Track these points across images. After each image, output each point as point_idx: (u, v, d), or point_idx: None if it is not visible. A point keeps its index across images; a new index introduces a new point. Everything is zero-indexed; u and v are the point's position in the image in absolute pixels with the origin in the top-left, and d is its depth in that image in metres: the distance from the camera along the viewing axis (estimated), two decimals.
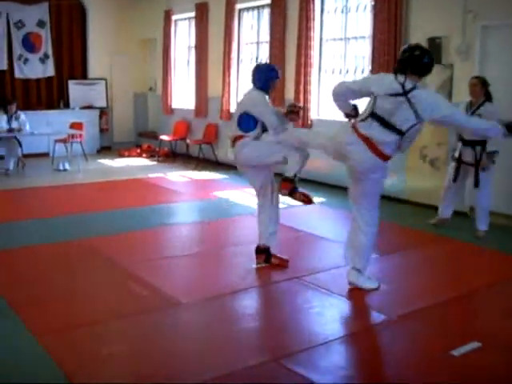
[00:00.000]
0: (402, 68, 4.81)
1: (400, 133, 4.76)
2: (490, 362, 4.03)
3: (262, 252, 5.86)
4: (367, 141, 4.81)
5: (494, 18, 7.71)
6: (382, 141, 4.79)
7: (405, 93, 4.69)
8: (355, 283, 5.19)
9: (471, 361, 4.04)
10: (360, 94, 5.06)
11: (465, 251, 6.70)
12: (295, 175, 5.54)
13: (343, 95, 5.15)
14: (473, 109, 6.95)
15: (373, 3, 9.15)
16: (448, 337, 4.41)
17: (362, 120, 4.92)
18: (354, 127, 4.95)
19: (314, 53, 10.30)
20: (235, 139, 5.79)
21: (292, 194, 5.50)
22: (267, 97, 5.77)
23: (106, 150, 14.63)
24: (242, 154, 5.74)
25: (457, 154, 7.20)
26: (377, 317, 4.72)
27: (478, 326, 4.75)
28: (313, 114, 10.41)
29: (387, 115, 4.76)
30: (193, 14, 13.23)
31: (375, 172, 4.98)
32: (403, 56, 4.89)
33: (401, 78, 4.76)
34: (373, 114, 4.82)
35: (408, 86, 4.72)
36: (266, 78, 5.75)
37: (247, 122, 5.73)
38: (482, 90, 6.96)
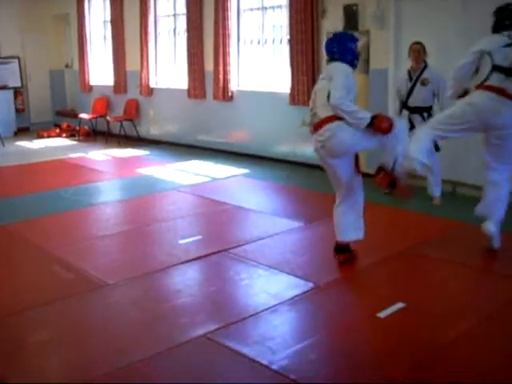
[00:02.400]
0: (503, 25, 5.22)
1: None
2: (414, 321, 4.14)
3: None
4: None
5: None
6: None
7: None
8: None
9: (396, 321, 4.14)
10: (478, 62, 5.22)
11: (390, 215, 6.83)
12: (394, 165, 4.98)
13: (466, 73, 5.28)
14: (416, 74, 7.00)
15: None
16: (374, 300, 4.51)
17: (485, 80, 5.12)
18: (490, 90, 5.10)
19: (232, 23, 10.22)
20: (322, 122, 4.89)
21: (393, 186, 5.09)
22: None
23: (23, 131, 14.15)
24: (339, 140, 4.81)
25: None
26: (304, 285, 4.75)
27: (403, 287, 4.84)
28: (233, 86, 10.36)
29: (508, 63, 5.05)
30: None
31: None
32: (502, 14, 5.25)
33: (504, 32, 5.16)
34: (495, 68, 5.07)
35: None
36: (354, 49, 5.06)
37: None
38: (423, 55, 7.01)
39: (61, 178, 9.01)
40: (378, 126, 4.67)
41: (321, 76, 5.24)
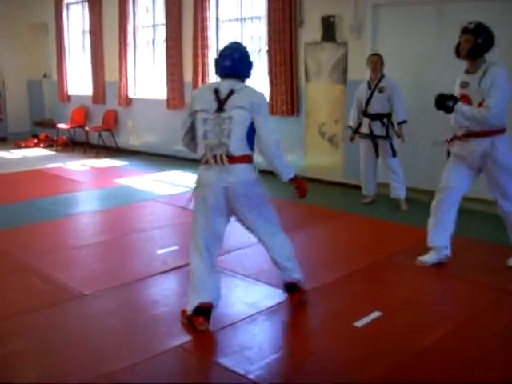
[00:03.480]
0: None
1: None
2: (391, 329, 4.17)
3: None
4: None
5: None
6: None
7: None
8: None
9: (373, 330, 4.16)
10: None
11: (367, 225, 6.89)
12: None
13: None
14: (374, 83, 7.33)
15: None
16: (351, 309, 4.53)
17: None
18: None
19: (211, 34, 10.26)
20: (234, 159, 4.12)
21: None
22: None
23: (0, 141, 14.07)
24: (254, 191, 4.31)
25: (366, 130, 7.44)
26: (281, 294, 4.74)
27: (380, 296, 4.88)
28: None
29: None
30: None
31: None
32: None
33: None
34: None
35: None
36: (251, 65, 4.47)
37: (252, 135, 4.21)
38: (381, 66, 7.37)
39: (38, 188, 8.95)
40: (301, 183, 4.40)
41: (213, 95, 4.17)
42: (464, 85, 5.15)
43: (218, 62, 4.31)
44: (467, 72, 5.18)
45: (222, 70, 4.27)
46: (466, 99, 5.09)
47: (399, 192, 7.45)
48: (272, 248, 4.46)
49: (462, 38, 5.08)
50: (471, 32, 4.98)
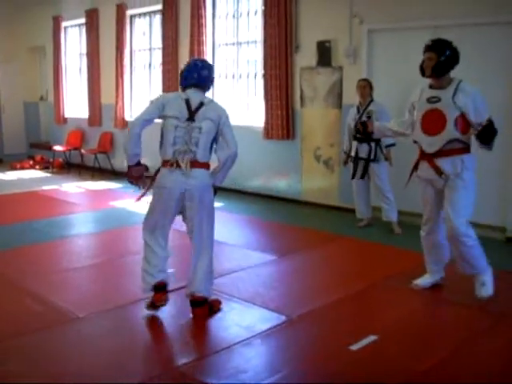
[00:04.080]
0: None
1: None
2: (386, 353, 4.16)
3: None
4: None
5: (378, 22, 8.00)
6: None
7: None
8: None
9: (368, 353, 4.16)
10: None
11: (362, 248, 6.90)
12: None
13: None
14: (363, 108, 7.43)
15: (263, 8, 9.27)
16: (347, 332, 4.52)
17: None
18: None
19: (207, 58, 10.30)
20: (195, 164, 4.64)
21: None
22: None
23: None
24: (205, 197, 4.77)
25: (353, 153, 7.54)
26: (277, 318, 4.76)
27: (375, 319, 4.87)
28: None
29: None
30: (83, 21, 12.99)
31: None
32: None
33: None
34: None
35: None
36: (212, 78, 4.90)
37: (212, 145, 4.77)
38: (369, 91, 7.48)
39: (34, 210, 8.95)
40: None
41: (184, 105, 4.67)
42: (435, 100, 4.97)
43: (184, 73, 4.79)
44: (433, 87, 5.05)
45: (189, 81, 4.74)
46: (435, 114, 4.96)
47: (391, 214, 7.50)
48: (197, 254, 4.87)
49: (424, 55, 5.02)
50: (433, 49, 4.95)
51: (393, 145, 7.37)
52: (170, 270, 5.87)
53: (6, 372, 3.85)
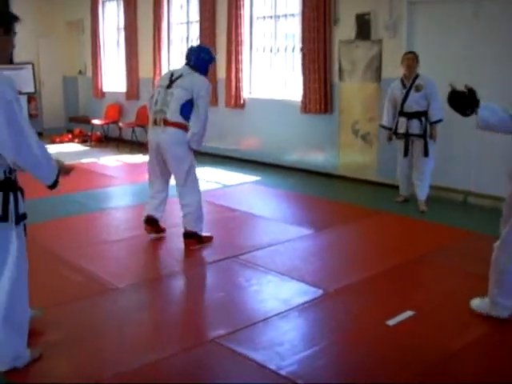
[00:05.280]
0: None
1: None
2: (423, 330, 4.13)
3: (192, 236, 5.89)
4: None
5: None
6: None
7: None
8: None
9: (405, 329, 4.14)
10: None
11: (400, 223, 6.85)
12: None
13: None
14: (409, 81, 7.21)
15: None
16: (384, 307, 4.50)
17: None
18: None
19: (245, 31, 10.27)
20: (169, 124, 5.64)
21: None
22: None
23: None
24: (175, 151, 5.73)
25: (403, 129, 7.28)
26: (314, 292, 4.76)
27: (412, 295, 4.85)
28: (245, 93, 10.40)
29: None
30: None
31: None
32: None
33: None
34: None
35: None
36: (208, 61, 5.81)
37: (189, 108, 5.68)
38: (416, 64, 7.24)
39: (72, 183, 8.97)
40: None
41: (169, 76, 5.79)
42: None
43: (188, 52, 5.84)
44: None
45: (187, 59, 5.82)
46: None
47: (421, 193, 7.35)
48: (180, 199, 5.88)
49: None
50: None
51: (440, 120, 7.12)
52: (208, 243, 5.95)
53: (44, 342, 3.91)
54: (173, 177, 5.93)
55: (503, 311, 4.20)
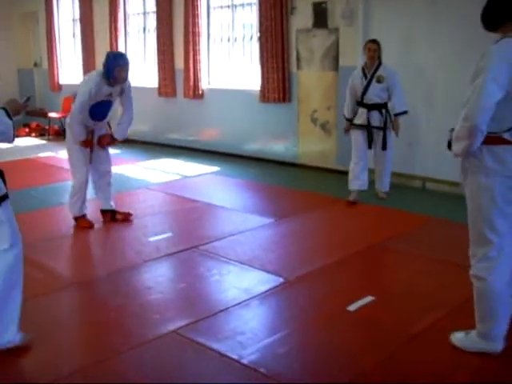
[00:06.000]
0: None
1: None
2: (383, 315, 4.18)
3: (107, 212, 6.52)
4: None
5: None
6: None
7: None
8: None
9: (365, 314, 4.18)
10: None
11: (360, 210, 6.89)
12: None
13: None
14: (371, 71, 6.92)
15: None
16: (344, 293, 4.53)
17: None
18: None
19: (202, 21, 10.21)
20: None
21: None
22: (105, 87, 6.00)
23: None
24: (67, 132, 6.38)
25: (362, 121, 7.02)
26: (275, 280, 4.77)
27: (373, 281, 4.90)
28: (203, 84, 10.35)
29: None
30: None
31: None
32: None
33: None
34: None
35: None
36: (109, 64, 5.88)
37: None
38: (378, 54, 6.95)
39: (30, 177, 8.92)
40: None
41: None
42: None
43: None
44: None
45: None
46: None
47: (381, 186, 7.25)
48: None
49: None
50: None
51: (405, 112, 6.95)
52: (166, 235, 5.92)
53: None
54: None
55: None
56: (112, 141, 6.36)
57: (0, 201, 3.52)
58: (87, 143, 6.21)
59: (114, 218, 6.46)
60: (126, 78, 6.00)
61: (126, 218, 6.49)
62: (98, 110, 6.10)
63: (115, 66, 5.84)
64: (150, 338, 3.84)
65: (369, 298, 4.37)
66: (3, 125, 3.41)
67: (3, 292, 3.58)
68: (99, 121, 6.23)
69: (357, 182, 7.15)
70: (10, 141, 3.52)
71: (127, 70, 5.96)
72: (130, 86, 6.22)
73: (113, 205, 6.50)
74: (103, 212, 6.51)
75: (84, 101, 5.94)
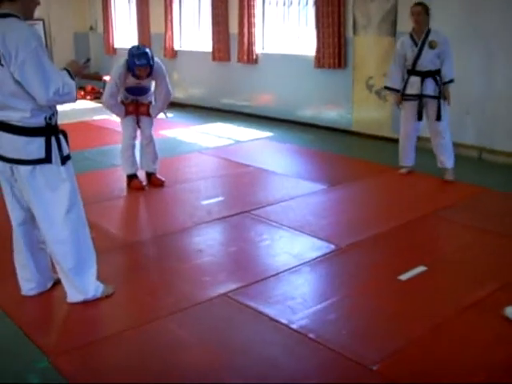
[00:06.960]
0: None
1: None
2: (435, 285, 4.12)
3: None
4: None
5: None
6: None
7: None
8: None
9: (417, 284, 4.12)
10: None
11: (414, 179, 6.76)
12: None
13: None
14: (421, 37, 6.46)
15: None
16: (396, 263, 4.49)
17: None
18: None
19: None
20: None
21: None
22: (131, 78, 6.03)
23: None
24: None
25: (416, 90, 6.56)
26: (326, 247, 4.74)
27: (425, 251, 4.81)
28: (258, 48, 10.26)
29: None
30: None
31: None
32: None
33: None
34: None
35: None
36: (130, 62, 5.88)
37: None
38: (426, 18, 6.50)
39: (85, 140, 9.03)
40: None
41: None
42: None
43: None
44: None
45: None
46: None
47: (447, 161, 6.70)
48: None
49: None
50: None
51: (451, 81, 6.50)
52: (218, 199, 5.93)
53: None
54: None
55: None
56: (148, 114, 6.38)
57: (64, 160, 3.61)
58: (130, 111, 6.33)
59: (149, 180, 6.56)
60: (148, 75, 6.01)
61: (159, 183, 6.52)
62: (134, 91, 6.24)
63: (134, 66, 5.87)
64: (201, 300, 3.88)
65: (421, 268, 4.31)
66: (68, 85, 3.48)
67: (81, 250, 3.84)
68: (139, 95, 6.29)
69: (408, 159, 6.91)
70: (74, 100, 3.60)
71: (147, 70, 5.92)
72: (161, 70, 6.13)
73: (155, 168, 6.56)
74: (146, 174, 6.61)
75: (112, 91, 6.08)
